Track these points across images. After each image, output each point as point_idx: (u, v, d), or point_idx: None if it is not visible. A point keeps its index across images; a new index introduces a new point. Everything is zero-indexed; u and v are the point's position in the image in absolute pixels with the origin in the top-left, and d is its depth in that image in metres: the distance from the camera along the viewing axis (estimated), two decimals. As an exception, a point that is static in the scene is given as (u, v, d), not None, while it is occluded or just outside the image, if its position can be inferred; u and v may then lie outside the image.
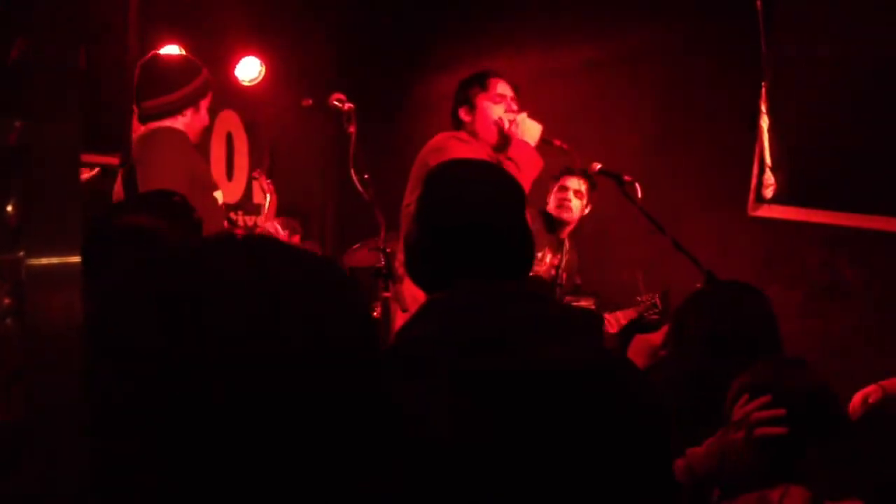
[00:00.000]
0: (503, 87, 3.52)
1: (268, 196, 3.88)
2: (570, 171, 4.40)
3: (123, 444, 0.68)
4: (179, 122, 3.10)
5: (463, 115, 3.52)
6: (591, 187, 4.45)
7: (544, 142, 3.48)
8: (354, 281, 0.82)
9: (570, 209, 4.40)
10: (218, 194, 3.25)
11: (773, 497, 1.68)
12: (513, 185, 1.60)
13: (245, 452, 0.67)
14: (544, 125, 3.47)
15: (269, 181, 3.98)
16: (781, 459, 1.74)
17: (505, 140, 3.43)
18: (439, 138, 3.43)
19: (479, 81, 3.53)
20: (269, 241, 0.79)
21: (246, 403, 0.67)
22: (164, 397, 0.67)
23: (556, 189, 4.46)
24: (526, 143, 3.38)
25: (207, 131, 5.27)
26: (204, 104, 3.22)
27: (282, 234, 3.78)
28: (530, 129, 3.43)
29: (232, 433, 0.67)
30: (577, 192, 4.42)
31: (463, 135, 3.45)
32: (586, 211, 4.49)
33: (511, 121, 3.44)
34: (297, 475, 0.68)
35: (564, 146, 3.58)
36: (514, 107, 3.51)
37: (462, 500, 1.21)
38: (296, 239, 5.11)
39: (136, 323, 0.70)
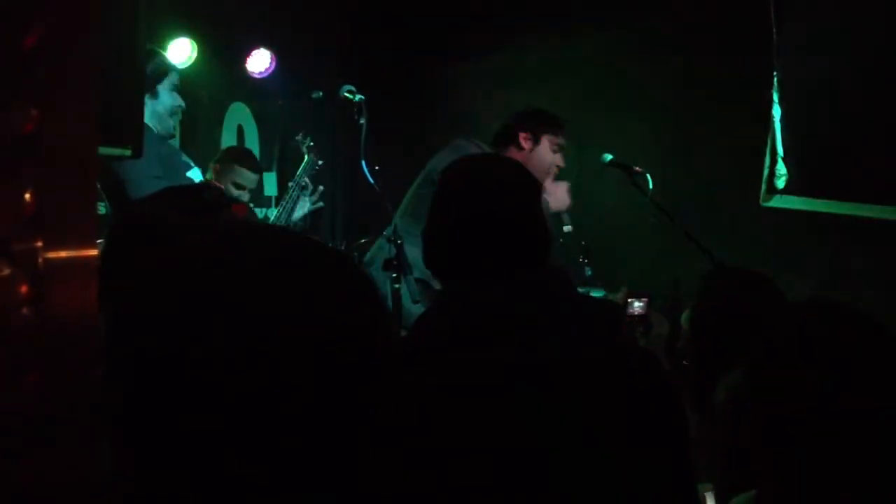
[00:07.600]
0: (563, 140, 3.62)
1: None
2: None
3: (140, 442, 0.68)
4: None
5: (523, 139, 3.56)
6: None
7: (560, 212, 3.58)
8: (365, 272, 0.82)
9: None
10: (194, 173, 3.25)
11: None
12: (526, 176, 1.63)
13: (258, 444, 0.67)
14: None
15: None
16: None
17: None
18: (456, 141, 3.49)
19: (552, 123, 3.60)
20: (279, 229, 0.79)
21: (261, 397, 0.67)
22: (181, 395, 0.67)
23: None
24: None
25: (216, 118, 5.29)
26: (162, 88, 3.19)
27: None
28: (560, 199, 3.54)
29: (248, 427, 0.67)
30: None
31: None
32: None
33: (550, 176, 3.54)
34: (304, 468, 0.68)
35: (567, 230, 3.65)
36: (561, 164, 3.60)
37: (467, 491, 1.22)
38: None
39: (152, 319, 0.70)
